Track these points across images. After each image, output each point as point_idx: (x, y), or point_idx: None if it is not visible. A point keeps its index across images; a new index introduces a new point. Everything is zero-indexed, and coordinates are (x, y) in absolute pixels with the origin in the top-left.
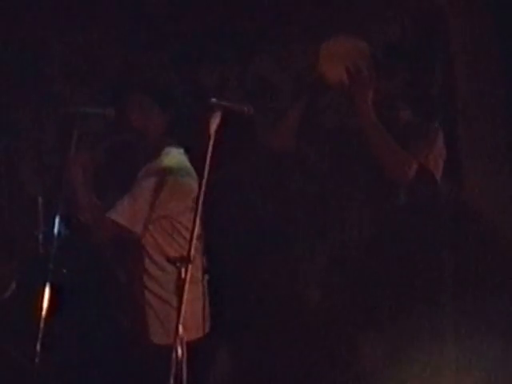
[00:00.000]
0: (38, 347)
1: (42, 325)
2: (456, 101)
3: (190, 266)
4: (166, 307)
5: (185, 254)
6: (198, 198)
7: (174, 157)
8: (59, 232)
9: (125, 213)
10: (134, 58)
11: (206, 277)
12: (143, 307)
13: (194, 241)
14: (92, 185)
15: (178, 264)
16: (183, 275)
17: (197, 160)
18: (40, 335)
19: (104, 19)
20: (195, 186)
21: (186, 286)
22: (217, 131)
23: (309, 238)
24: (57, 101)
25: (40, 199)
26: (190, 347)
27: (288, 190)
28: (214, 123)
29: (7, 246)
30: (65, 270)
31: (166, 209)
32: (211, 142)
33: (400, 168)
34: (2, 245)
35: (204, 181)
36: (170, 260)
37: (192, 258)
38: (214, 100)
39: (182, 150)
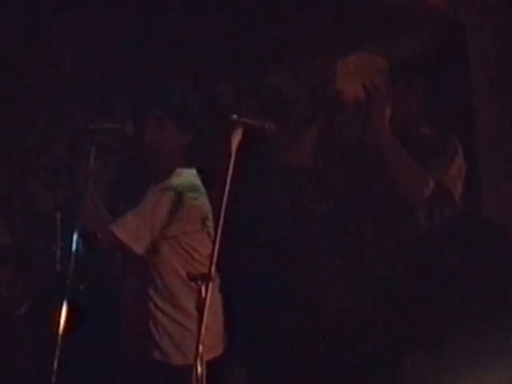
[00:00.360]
0: (55, 364)
1: (59, 342)
2: (475, 116)
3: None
4: (179, 327)
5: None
6: (218, 215)
7: (185, 177)
8: (77, 249)
9: (126, 229)
10: (151, 74)
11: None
12: (150, 326)
13: (206, 261)
14: (102, 197)
15: (199, 282)
16: (203, 293)
17: (211, 178)
18: (57, 352)
19: (122, 34)
20: (206, 207)
21: (207, 304)
22: (238, 149)
23: (327, 255)
24: (71, 115)
25: (58, 215)
26: (208, 366)
27: (305, 207)
28: (235, 140)
29: (21, 261)
30: (82, 287)
31: (172, 229)
32: (232, 160)
33: (416, 186)
34: (15, 260)
35: (225, 199)
36: (190, 277)
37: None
38: (234, 117)
39: (194, 171)
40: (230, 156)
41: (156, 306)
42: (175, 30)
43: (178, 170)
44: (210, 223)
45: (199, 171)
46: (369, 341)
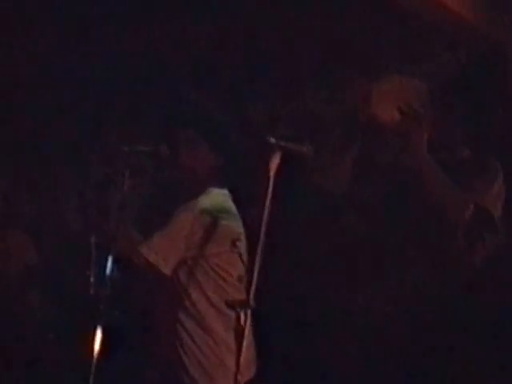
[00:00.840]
0: None
1: (93, 368)
2: None
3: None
4: (206, 350)
5: (227, 296)
6: (254, 238)
7: (215, 197)
8: (111, 273)
9: (154, 250)
10: (184, 94)
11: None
12: (178, 349)
13: (237, 283)
14: (133, 218)
15: (238, 309)
16: (242, 320)
17: (243, 199)
18: (91, 379)
19: (155, 56)
20: (237, 228)
21: (247, 332)
22: (276, 172)
23: (364, 279)
24: (103, 137)
25: (93, 239)
26: None
27: (341, 231)
28: (274, 164)
29: (51, 284)
30: (117, 313)
31: (201, 250)
32: (271, 184)
33: (456, 209)
34: (45, 283)
35: (264, 224)
36: (228, 304)
37: (252, 302)
38: (272, 140)
39: (225, 191)
40: (268, 180)
41: (184, 328)
42: (209, 50)
43: (208, 190)
44: (242, 244)
45: (231, 191)
46: (408, 366)
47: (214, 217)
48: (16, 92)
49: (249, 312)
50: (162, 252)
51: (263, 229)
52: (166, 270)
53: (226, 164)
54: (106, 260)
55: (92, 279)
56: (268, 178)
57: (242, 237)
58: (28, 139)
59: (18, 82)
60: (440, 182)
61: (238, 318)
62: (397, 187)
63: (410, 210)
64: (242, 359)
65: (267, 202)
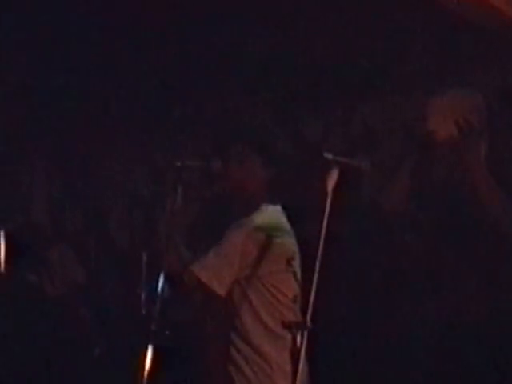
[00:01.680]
0: None
1: None
2: None
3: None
4: (258, 372)
5: (281, 317)
6: (310, 257)
7: (269, 214)
8: (162, 292)
9: (207, 270)
10: (235, 108)
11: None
12: (229, 370)
13: (291, 304)
14: (184, 236)
15: (294, 330)
16: (298, 341)
17: (297, 216)
18: None
19: (207, 69)
20: (291, 246)
21: (303, 354)
22: (334, 189)
23: (420, 300)
24: (150, 151)
25: (144, 256)
26: None
27: (397, 248)
28: (332, 180)
29: (97, 302)
30: (168, 332)
31: (256, 269)
32: (329, 201)
33: None
34: (91, 301)
35: (322, 243)
36: (284, 325)
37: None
38: (329, 155)
39: (279, 208)
40: (326, 196)
41: (236, 349)
42: (261, 63)
43: (262, 207)
44: (296, 263)
45: (284, 208)
46: None
47: (268, 235)
48: (64, 105)
49: (305, 334)
50: (216, 272)
51: (321, 246)
52: (221, 291)
53: (278, 179)
54: (157, 278)
55: (143, 298)
56: (325, 193)
57: (296, 255)
58: (76, 155)
59: (64, 96)
60: (498, 200)
61: (294, 339)
62: (453, 204)
63: (466, 228)
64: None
65: (325, 219)
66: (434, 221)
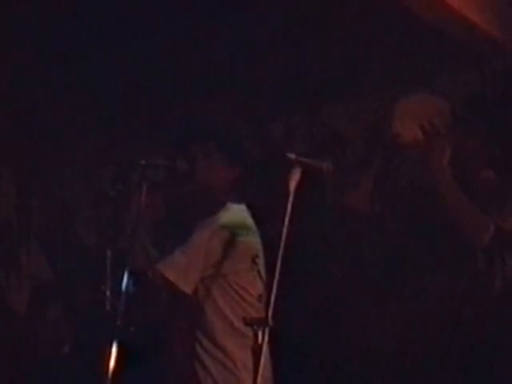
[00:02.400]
0: None
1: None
2: None
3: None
4: (222, 369)
5: (245, 315)
6: (273, 256)
7: (234, 213)
8: (127, 288)
9: (174, 269)
10: (201, 108)
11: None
12: (195, 367)
13: (256, 302)
14: (149, 234)
15: (256, 327)
16: (260, 338)
17: (261, 215)
18: None
19: (173, 68)
20: (256, 244)
21: (264, 350)
22: (296, 188)
23: (382, 300)
24: (117, 149)
25: (109, 253)
26: None
27: (360, 250)
28: (294, 181)
29: (66, 299)
30: (132, 329)
31: (221, 267)
32: (290, 200)
33: (476, 230)
34: (61, 298)
35: (283, 241)
36: (246, 322)
37: (270, 320)
38: (292, 156)
39: (243, 207)
40: (288, 196)
41: (201, 346)
42: (227, 64)
43: (227, 206)
44: (261, 261)
45: (249, 207)
46: None
47: (233, 233)
48: (27, 105)
49: (267, 330)
50: (183, 271)
51: (282, 246)
52: (187, 290)
53: (244, 179)
54: (122, 275)
55: (108, 294)
56: (287, 194)
57: (261, 254)
58: (41, 153)
59: (30, 95)
60: (461, 203)
61: (256, 336)
62: (416, 207)
63: (430, 231)
64: (259, 378)
65: (286, 219)
66: (398, 222)
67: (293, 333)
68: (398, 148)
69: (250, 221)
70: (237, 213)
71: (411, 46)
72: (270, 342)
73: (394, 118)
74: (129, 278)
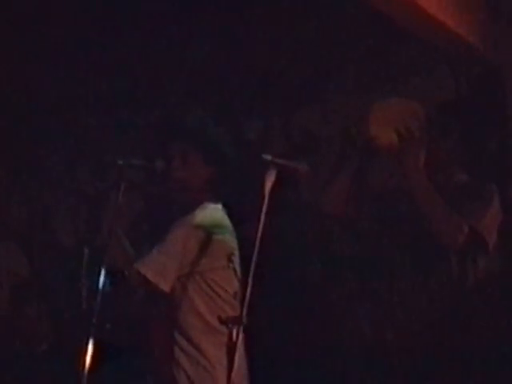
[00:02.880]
0: None
1: (84, 381)
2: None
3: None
4: (196, 367)
5: (221, 313)
6: (248, 256)
7: (210, 212)
8: (104, 286)
9: (152, 267)
10: (178, 108)
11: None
12: (172, 367)
13: (231, 300)
14: (127, 234)
15: (230, 325)
16: (234, 336)
17: (237, 214)
18: None
19: (149, 69)
20: (231, 243)
21: (239, 348)
22: (271, 190)
23: (354, 301)
24: (94, 150)
25: (86, 251)
26: None
27: (334, 250)
28: (269, 181)
29: (44, 297)
30: (108, 326)
31: (197, 265)
32: (266, 201)
33: (450, 232)
34: (38, 295)
35: (258, 241)
36: (221, 321)
37: (244, 319)
38: (268, 157)
39: (219, 206)
40: (264, 197)
41: (177, 344)
42: (204, 64)
43: (204, 205)
44: (236, 260)
45: (225, 206)
46: None
47: (210, 232)
48: (4, 106)
49: (241, 328)
50: (161, 269)
51: (257, 245)
52: (166, 288)
53: (220, 178)
54: (99, 273)
55: (84, 292)
56: (263, 194)
57: (236, 252)
58: (19, 152)
59: (11, 96)
60: (435, 205)
61: (231, 334)
62: (391, 209)
63: (403, 232)
64: (233, 375)
65: (261, 219)
66: (371, 224)
67: (267, 331)
68: (373, 151)
69: (226, 220)
70: (213, 212)
71: (385, 50)
72: (244, 340)
73: (371, 122)
74: (105, 277)
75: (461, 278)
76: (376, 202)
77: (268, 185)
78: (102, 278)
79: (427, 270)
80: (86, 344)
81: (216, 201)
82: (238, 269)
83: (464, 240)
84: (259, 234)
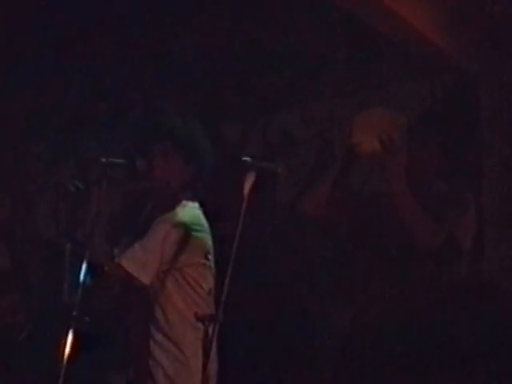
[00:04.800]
0: None
1: (63, 371)
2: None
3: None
4: (173, 361)
5: (197, 309)
6: (224, 254)
7: (189, 211)
8: (84, 280)
9: (134, 261)
10: (158, 107)
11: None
12: (148, 359)
13: (207, 296)
14: (105, 230)
15: (207, 323)
16: (210, 334)
17: (212, 213)
18: (61, 382)
19: (131, 69)
20: (208, 241)
21: (214, 345)
22: (250, 191)
23: (329, 301)
24: (76, 146)
25: (68, 246)
26: None
27: (309, 250)
28: (249, 183)
29: (23, 287)
30: (87, 318)
31: (177, 262)
32: (245, 203)
33: (426, 236)
34: (18, 286)
35: (236, 241)
36: (198, 318)
37: (221, 317)
38: (247, 159)
39: (196, 204)
40: (243, 198)
41: (153, 337)
42: (185, 63)
43: (183, 203)
44: (211, 258)
45: (201, 205)
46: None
47: (189, 229)
48: None
49: (217, 326)
50: (143, 264)
51: (235, 244)
52: (146, 281)
53: (197, 177)
54: (80, 268)
55: (65, 286)
56: (242, 196)
57: (211, 251)
58: (4, 146)
59: None
60: (414, 212)
61: (207, 331)
62: (367, 213)
63: (378, 233)
64: (209, 372)
65: (240, 221)
66: (348, 226)
67: (240, 329)
68: (356, 157)
69: (203, 218)
70: (192, 210)
71: (365, 56)
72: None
73: (355, 128)
74: (86, 271)
75: (434, 280)
76: (356, 205)
77: (247, 186)
78: (82, 272)
79: (402, 272)
80: (66, 335)
81: (193, 199)
82: (213, 267)
83: (440, 245)
84: (238, 235)
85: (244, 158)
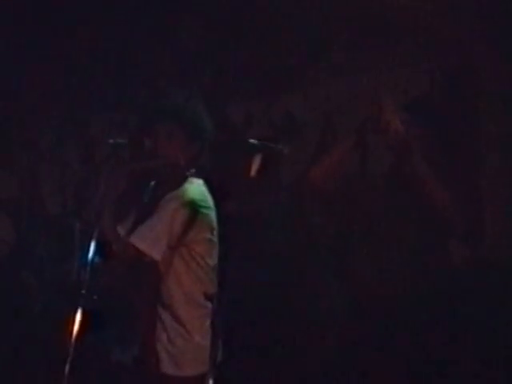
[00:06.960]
0: (67, 369)
1: (71, 348)
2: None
3: None
4: (176, 337)
5: (201, 285)
6: (230, 233)
7: (196, 188)
8: (93, 258)
9: (145, 238)
10: (163, 88)
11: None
12: (152, 335)
13: (211, 272)
14: (113, 209)
15: (215, 301)
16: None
17: (217, 190)
18: (70, 358)
19: (137, 49)
20: (214, 217)
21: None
22: (258, 172)
23: (328, 276)
24: (82, 125)
25: (77, 225)
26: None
27: (310, 229)
28: (256, 165)
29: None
30: (95, 297)
31: (185, 238)
32: (252, 183)
33: (451, 212)
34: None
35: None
36: (207, 296)
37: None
38: (254, 141)
39: (201, 182)
40: (250, 178)
41: (157, 313)
42: (190, 46)
43: (189, 180)
44: (216, 234)
45: (206, 181)
46: (365, 366)
47: (197, 206)
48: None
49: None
50: (152, 241)
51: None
52: (157, 256)
53: (200, 153)
54: (88, 246)
55: (76, 264)
56: (249, 176)
57: (216, 228)
58: (11, 126)
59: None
60: (440, 190)
61: (215, 309)
62: (367, 189)
63: (377, 212)
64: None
65: (245, 199)
66: (348, 203)
67: (243, 307)
68: (374, 131)
69: (208, 195)
70: (198, 187)
71: (367, 39)
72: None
73: (387, 110)
74: (95, 249)
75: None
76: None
77: (254, 168)
78: (91, 251)
79: (410, 248)
80: (74, 313)
81: (198, 177)
82: (217, 244)
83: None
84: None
85: (250, 140)
